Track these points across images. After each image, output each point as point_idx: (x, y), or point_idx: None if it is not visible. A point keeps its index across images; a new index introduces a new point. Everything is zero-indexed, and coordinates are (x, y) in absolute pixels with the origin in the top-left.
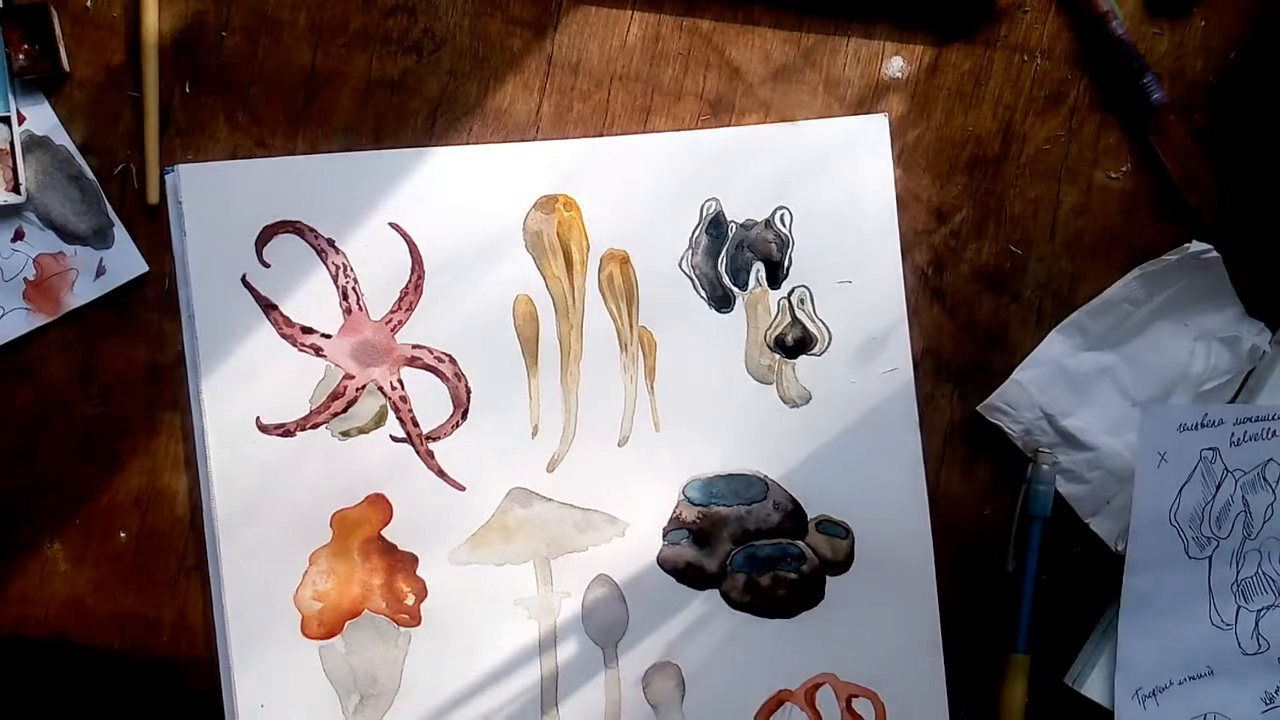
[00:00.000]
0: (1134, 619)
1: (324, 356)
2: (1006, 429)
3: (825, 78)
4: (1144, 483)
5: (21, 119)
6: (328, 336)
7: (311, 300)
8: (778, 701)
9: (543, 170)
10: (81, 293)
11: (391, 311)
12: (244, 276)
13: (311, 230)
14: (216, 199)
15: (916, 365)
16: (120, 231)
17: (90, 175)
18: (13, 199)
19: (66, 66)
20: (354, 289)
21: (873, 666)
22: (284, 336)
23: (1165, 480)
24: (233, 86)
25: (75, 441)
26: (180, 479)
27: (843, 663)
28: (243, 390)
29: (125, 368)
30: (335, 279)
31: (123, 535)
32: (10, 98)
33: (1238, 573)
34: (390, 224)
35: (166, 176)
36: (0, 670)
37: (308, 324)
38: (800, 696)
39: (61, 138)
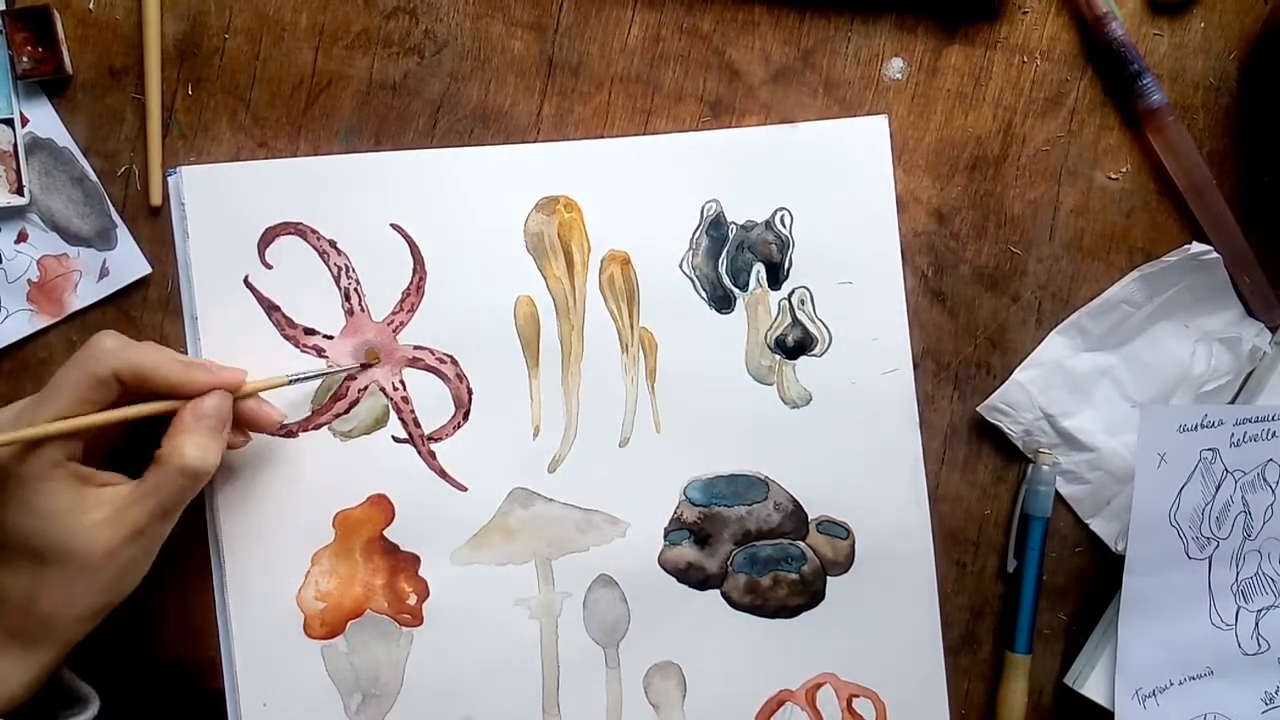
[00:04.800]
0: (1134, 619)
1: (326, 358)
2: (1006, 429)
3: (825, 79)
4: (1144, 483)
5: (25, 121)
6: (330, 338)
7: (314, 302)
8: (779, 701)
9: (543, 171)
10: (85, 294)
11: (393, 313)
12: (246, 278)
13: (314, 232)
14: (219, 201)
15: (916, 365)
16: (123, 233)
17: (93, 177)
18: (16, 201)
19: (69, 69)
20: (356, 290)
21: (873, 666)
22: (286, 338)
23: (1165, 481)
24: (235, 88)
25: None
26: None
27: (843, 663)
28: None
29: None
30: (337, 280)
31: None
32: (13, 100)
33: (1238, 573)
34: (392, 225)
35: (169, 178)
36: None
37: (310, 325)
38: (801, 696)
39: (64, 139)
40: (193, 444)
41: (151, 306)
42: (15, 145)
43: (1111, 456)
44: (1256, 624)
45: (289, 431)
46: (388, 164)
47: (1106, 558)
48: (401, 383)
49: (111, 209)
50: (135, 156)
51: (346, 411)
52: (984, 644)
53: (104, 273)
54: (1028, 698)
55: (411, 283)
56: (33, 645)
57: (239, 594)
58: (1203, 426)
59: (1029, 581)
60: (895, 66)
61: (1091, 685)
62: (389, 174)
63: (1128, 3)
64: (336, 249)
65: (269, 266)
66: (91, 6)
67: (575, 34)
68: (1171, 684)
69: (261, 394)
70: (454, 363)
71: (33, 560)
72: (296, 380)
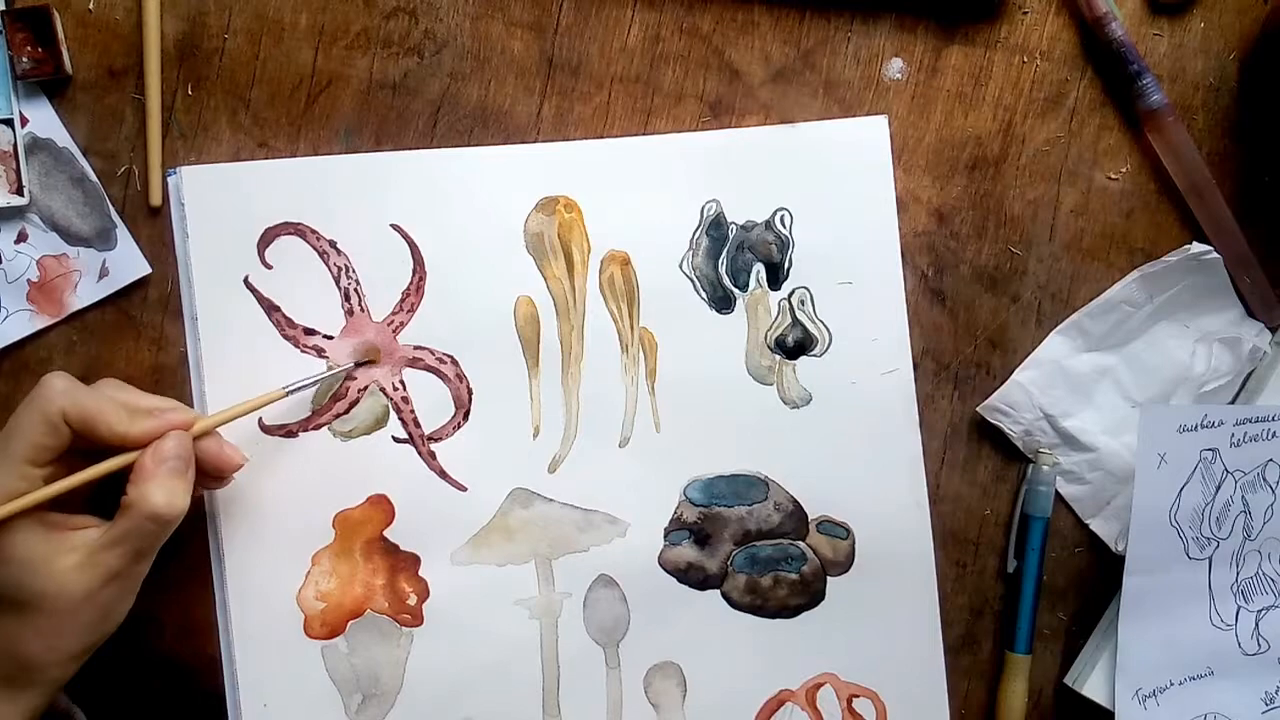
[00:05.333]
0: (1134, 620)
1: (326, 358)
2: (1007, 430)
3: (825, 79)
4: (1144, 483)
5: (24, 121)
6: (330, 338)
7: (314, 302)
8: (779, 702)
9: (544, 172)
10: (84, 294)
11: (393, 313)
12: (246, 278)
13: (313, 232)
14: (219, 201)
15: (916, 365)
16: (123, 233)
17: (93, 177)
18: (16, 201)
19: (69, 69)
20: (356, 290)
21: (873, 666)
22: (286, 338)
23: (1165, 481)
24: (235, 88)
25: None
26: None
27: (843, 663)
28: (245, 391)
29: (128, 369)
30: (337, 280)
31: None
32: (13, 100)
33: (1238, 573)
34: (392, 225)
35: (169, 178)
36: None
37: (310, 325)
38: (801, 696)
39: (64, 140)
40: (159, 489)
41: (151, 306)
42: (15, 145)
43: (1111, 457)
44: (1256, 624)
45: (289, 431)
46: (388, 164)
47: (1106, 558)
48: (401, 383)
49: (111, 209)
50: (135, 156)
51: (346, 411)
52: (984, 644)
53: (104, 273)
54: (1028, 698)
55: (411, 283)
56: (19, 689)
57: (239, 594)
58: (1203, 427)
59: (1029, 581)
60: (895, 66)
61: (1091, 685)
62: (389, 174)
63: (1127, 3)
64: (336, 249)
65: (269, 267)
66: (91, 6)
67: (575, 34)
68: (1172, 684)
69: (260, 408)
70: (454, 363)
71: (12, 609)
72: (292, 390)
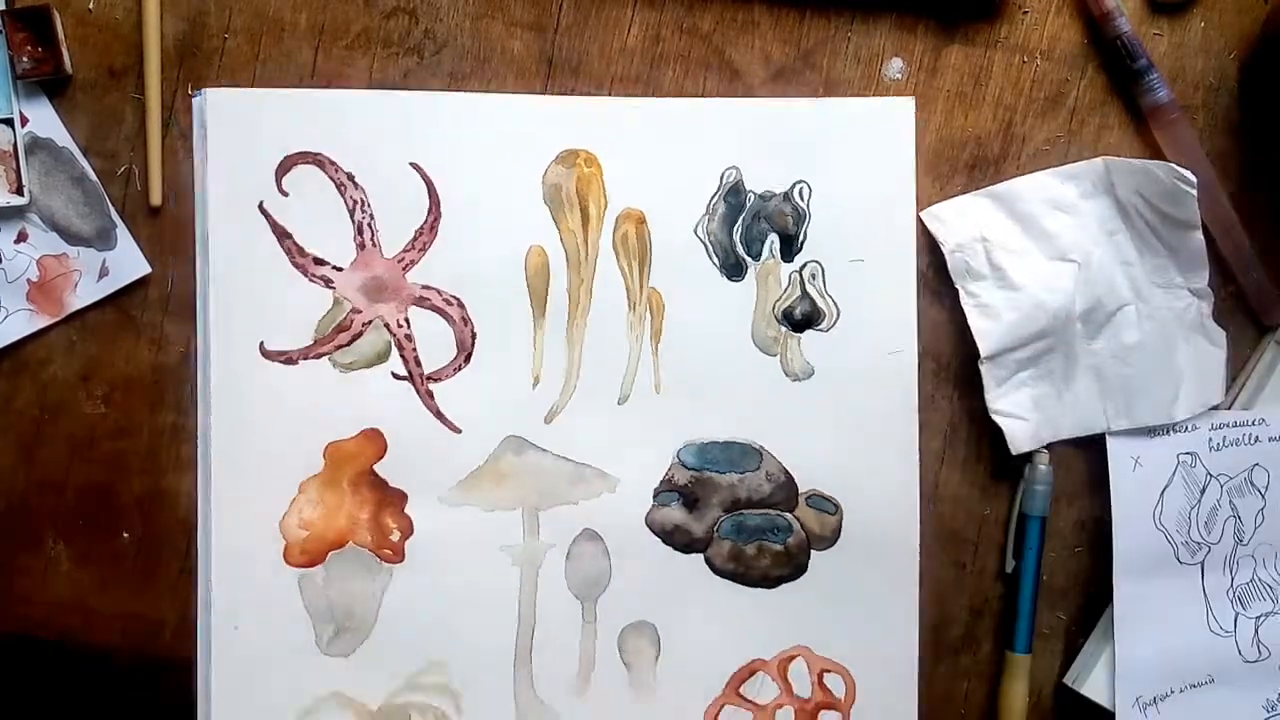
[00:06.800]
0: (1130, 626)
1: (333, 288)
2: (939, 238)
3: (825, 79)
4: (1121, 486)
5: (25, 121)
6: (339, 269)
7: (326, 232)
8: (750, 670)
9: (567, 125)
10: (84, 294)
11: (405, 250)
12: (261, 203)
13: (333, 163)
14: (241, 125)
15: (916, 366)
16: (123, 233)
17: (93, 177)
18: (16, 201)
19: (69, 68)
20: (369, 225)
21: (848, 643)
22: (295, 265)
23: (1143, 483)
24: (235, 88)
25: (78, 442)
26: (182, 480)
27: (818, 637)
28: (250, 314)
29: (128, 369)
30: (352, 213)
31: (125, 536)
32: (13, 100)
33: (1232, 579)
34: (411, 164)
35: (194, 100)
36: (2, 670)
37: (320, 255)
38: (773, 667)
39: (64, 139)
40: None
41: (151, 306)
42: (15, 145)
43: (1033, 303)
44: (1256, 631)
45: (289, 358)
46: (414, 103)
47: (1106, 557)
48: (406, 320)
49: (111, 209)
50: (135, 156)
51: (349, 344)
52: (984, 644)
53: (104, 272)
54: (1028, 698)
55: (426, 222)
56: None
57: (221, 511)
58: (1174, 430)
59: (1027, 581)
60: (895, 66)
61: (1091, 685)
62: (414, 113)
63: (1128, 2)
64: (354, 182)
65: (285, 194)
66: (91, 6)
67: (575, 34)
68: (1172, 692)
69: None
70: (460, 305)
71: None
72: None
